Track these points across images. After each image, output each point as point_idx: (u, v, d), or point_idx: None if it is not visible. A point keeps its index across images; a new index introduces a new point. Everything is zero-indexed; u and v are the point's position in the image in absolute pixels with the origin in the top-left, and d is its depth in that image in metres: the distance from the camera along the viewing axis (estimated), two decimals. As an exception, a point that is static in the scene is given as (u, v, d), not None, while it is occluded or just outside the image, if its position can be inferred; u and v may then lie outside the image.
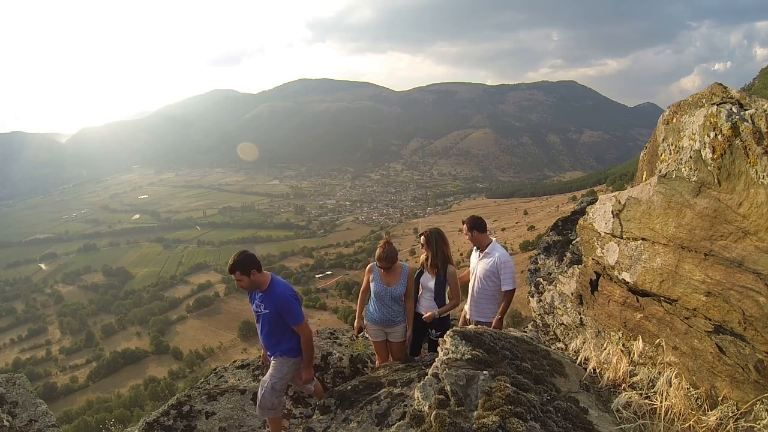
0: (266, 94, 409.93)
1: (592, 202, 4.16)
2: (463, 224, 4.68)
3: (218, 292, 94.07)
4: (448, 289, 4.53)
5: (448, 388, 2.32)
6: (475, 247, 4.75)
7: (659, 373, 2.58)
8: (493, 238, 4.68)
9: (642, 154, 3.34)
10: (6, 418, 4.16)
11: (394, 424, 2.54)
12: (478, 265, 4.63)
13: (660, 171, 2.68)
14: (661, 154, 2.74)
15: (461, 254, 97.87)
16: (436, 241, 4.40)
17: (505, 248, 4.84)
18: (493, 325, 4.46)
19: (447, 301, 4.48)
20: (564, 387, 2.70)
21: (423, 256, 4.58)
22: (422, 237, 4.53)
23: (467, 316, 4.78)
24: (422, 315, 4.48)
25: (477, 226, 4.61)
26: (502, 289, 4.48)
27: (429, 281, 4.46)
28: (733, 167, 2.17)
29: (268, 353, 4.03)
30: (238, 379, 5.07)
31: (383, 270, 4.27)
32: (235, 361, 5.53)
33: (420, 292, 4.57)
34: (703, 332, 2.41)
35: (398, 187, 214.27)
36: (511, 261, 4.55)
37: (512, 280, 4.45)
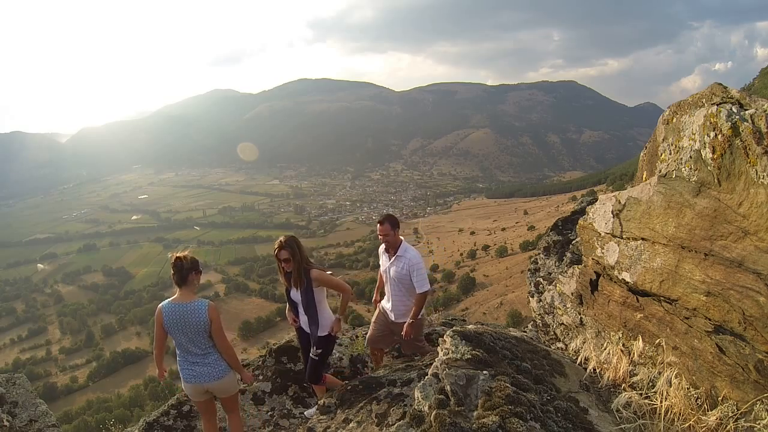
0: (266, 94, 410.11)
1: (592, 202, 4.16)
2: (382, 223, 4.33)
3: (218, 292, 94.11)
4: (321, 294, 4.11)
5: (448, 388, 2.32)
6: (383, 248, 4.55)
7: (659, 373, 2.57)
8: (402, 238, 4.48)
9: (642, 154, 3.34)
10: (6, 418, 4.16)
11: (394, 424, 2.54)
12: (390, 267, 4.45)
13: (660, 171, 2.68)
14: (661, 154, 2.74)
15: (461, 254, 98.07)
16: (294, 250, 3.92)
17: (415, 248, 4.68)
18: (405, 331, 4.30)
19: (320, 311, 4.03)
20: (564, 387, 2.70)
21: (280, 273, 4.10)
22: (279, 251, 3.95)
23: (390, 318, 4.53)
24: (309, 333, 4.10)
25: (397, 225, 4.43)
26: (417, 291, 4.31)
27: (296, 295, 4.06)
28: (733, 167, 2.17)
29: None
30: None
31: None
32: (235, 361, 5.52)
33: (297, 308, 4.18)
34: (703, 332, 2.41)
35: (398, 187, 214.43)
36: (423, 262, 4.44)
37: (425, 281, 4.32)
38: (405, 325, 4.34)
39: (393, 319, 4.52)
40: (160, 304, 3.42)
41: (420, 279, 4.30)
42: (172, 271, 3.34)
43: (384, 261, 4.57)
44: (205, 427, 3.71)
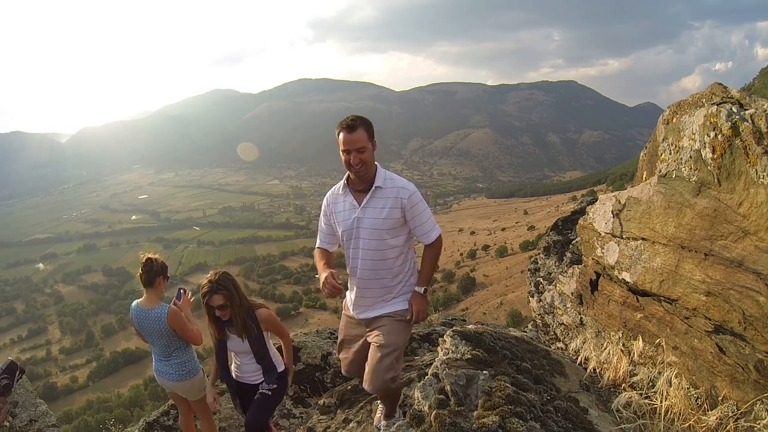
0: (266, 94, 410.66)
1: (592, 202, 4.16)
2: (352, 129, 2.48)
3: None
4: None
5: (448, 387, 2.32)
6: (341, 190, 2.71)
7: (659, 373, 2.57)
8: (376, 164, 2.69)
9: (642, 154, 3.34)
10: (6, 418, 4.16)
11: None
12: (361, 216, 2.60)
13: (660, 171, 2.68)
14: (661, 154, 2.73)
15: (461, 254, 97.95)
16: (231, 293, 2.85)
17: None
18: (415, 311, 2.64)
19: (272, 355, 3.12)
20: (564, 387, 2.70)
21: (210, 322, 3.01)
22: (210, 297, 2.83)
23: (353, 315, 2.79)
24: (252, 384, 3.13)
25: (374, 135, 2.60)
26: (426, 243, 2.71)
27: (241, 345, 3.00)
28: (733, 167, 2.17)
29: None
30: (238, 379, 5.06)
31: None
32: (235, 361, 5.52)
33: (233, 358, 3.20)
34: (703, 332, 2.41)
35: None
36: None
37: (434, 223, 2.72)
38: (413, 302, 2.66)
39: (358, 315, 2.74)
40: (132, 304, 3.43)
41: (428, 220, 2.66)
42: (141, 271, 3.28)
43: (344, 211, 2.66)
44: (181, 420, 3.74)
